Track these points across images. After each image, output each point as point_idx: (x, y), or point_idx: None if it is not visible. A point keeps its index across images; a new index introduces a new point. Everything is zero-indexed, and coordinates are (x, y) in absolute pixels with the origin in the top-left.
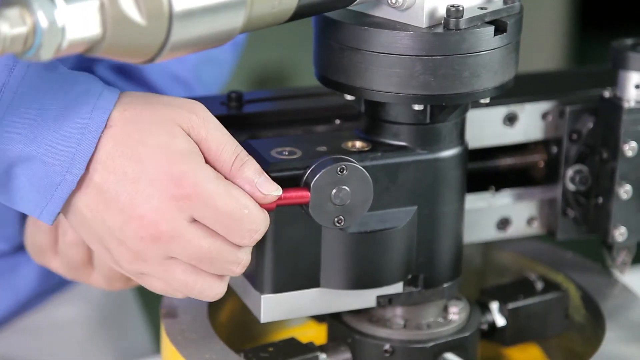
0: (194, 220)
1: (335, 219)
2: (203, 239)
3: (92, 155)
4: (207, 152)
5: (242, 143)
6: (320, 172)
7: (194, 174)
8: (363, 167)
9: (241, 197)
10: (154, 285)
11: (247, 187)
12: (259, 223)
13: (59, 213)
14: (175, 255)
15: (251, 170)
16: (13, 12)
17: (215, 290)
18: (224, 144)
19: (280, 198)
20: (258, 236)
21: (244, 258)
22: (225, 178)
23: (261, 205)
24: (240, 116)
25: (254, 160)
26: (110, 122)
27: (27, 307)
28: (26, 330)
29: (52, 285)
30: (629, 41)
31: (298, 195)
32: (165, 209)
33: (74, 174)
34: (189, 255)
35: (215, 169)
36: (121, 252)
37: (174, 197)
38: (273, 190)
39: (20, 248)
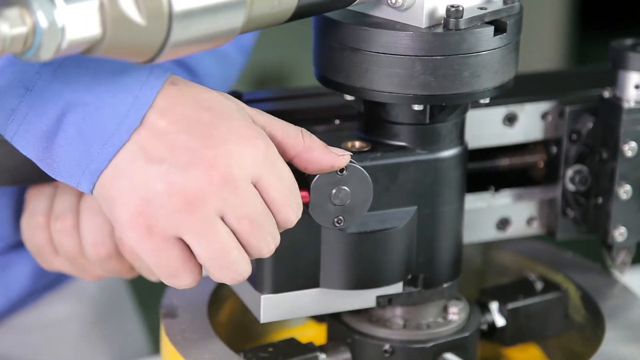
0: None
1: (335, 219)
2: (260, 201)
3: (156, 106)
4: (273, 136)
5: None
6: (319, 173)
7: (266, 137)
8: (363, 167)
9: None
10: (172, 259)
11: (325, 151)
12: (301, 204)
13: (102, 172)
14: (231, 209)
15: (316, 141)
16: (13, 12)
17: (245, 267)
18: (285, 125)
19: None
20: (299, 214)
21: (278, 238)
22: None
23: None
24: None
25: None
26: (175, 81)
27: (20, 306)
28: (19, 328)
29: (45, 283)
30: (628, 41)
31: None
32: (241, 156)
33: (128, 124)
34: (244, 212)
35: (285, 151)
36: (168, 199)
37: (251, 145)
38: (343, 153)
39: (14, 247)
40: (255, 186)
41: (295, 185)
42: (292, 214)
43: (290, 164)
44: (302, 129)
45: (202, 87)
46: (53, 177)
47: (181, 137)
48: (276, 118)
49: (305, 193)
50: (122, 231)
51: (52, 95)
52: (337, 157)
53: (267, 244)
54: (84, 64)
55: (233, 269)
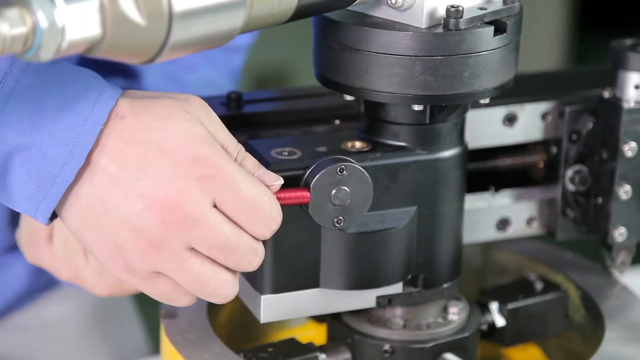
0: (215, 206)
1: (335, 220)
2: (225, 225)
3: (105, 146)
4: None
5: (242, 143)
6: (320, 173)
7: (217, 156)
8: (363, 167)
9: (260, 185)
10: (162, 288)
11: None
12: (277, 212)
13: (54, 211)
14: (196, 241)
15: (251, 164)
16: (13, 12)
17: (229, 289)
18: (228, 139)
19: (280, 198)
20: (275, 227)
21: (261, 249)
22: None
23: None
24: (240, 116)
25: (251, 156)
26: (121, 113)
27: (17, 306)
28: (17, 328)
29: (42, 284)
30: (628, 41)
31: (298, 195)
32: (191, 191)
33: (72, 165)
34: (211, 241)
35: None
36: (136, 245)
37: (199, 179)
38: (275, 180)
39: (9, 249)
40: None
41: (262, 199)
42: (262, 230)
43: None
44: (241, 150)
45: (151, 111)
46: (12, 208)
47: (131, 183)
48: (224, 128)
49: (305, 193)
50: (108, 270)
51: None
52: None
53: (248, 262)
54: (27, 104)
55: (216, 295)
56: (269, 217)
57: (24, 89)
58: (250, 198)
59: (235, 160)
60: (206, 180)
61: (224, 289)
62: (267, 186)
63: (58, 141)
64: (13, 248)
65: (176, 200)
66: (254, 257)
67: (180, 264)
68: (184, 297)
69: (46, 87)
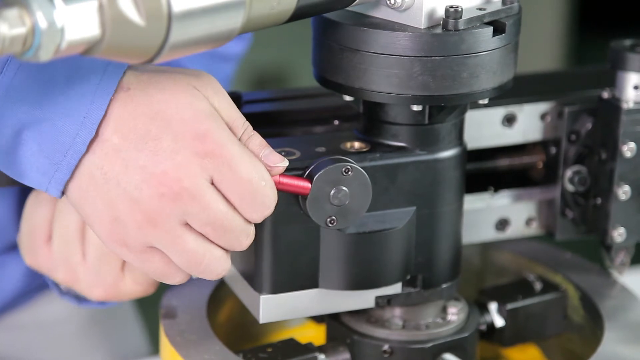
0: (213, 184)
1: (329, 219)
2: (221, 204)
3: (110, 117)
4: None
5: None
6: (326, 168)
7: (219, 133)
8: (362, 167)
9: (261, 168)
10: (155, 264)
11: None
12: (271, 199)
13: (67, 182)
14: (191, 217)
15: (257, 144)
16: (12, 13)
17: (222, 265)
18: (234, 116)
19: (280, 182)
20: (268, 212)
21: (252, 231)
22: None
23: None
24: None
25: (259, 135)
26: (127, 85)
27: (13, 306)
28: (15, 328)
29: (39, 284)
30: (627, 42)
31: (299, 184)
32: (189, 166)
33: (83, 137)
34: (206, 218)
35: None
36: (132, 218)
37: (198, 154)
38: (279, 162)
39: (7, 250)
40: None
41: (258, 183)
42: (253, 214)
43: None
44: (247, 128)
45: (156, 84)
46: (23, 183)
47: (132, 155)
48: (232, 104)
49: (306, 184)
50: (105, 244)
51: (7, 115)
52: (266, 167)
53: (239, 242)
54: (36, 79)
55: (208, 271)
56: (262, 202)
57: (34, 63)
58: (247, 180)
59: (240, 139)
60: (205, 155)
61: (216, 265)
62: (272, 167)
63: (69, 113)
64: (13, 247)
65: (174, 174)
66: (245, 238)
67: (174, 239)
68: (176, 273)
69: (57, 61)
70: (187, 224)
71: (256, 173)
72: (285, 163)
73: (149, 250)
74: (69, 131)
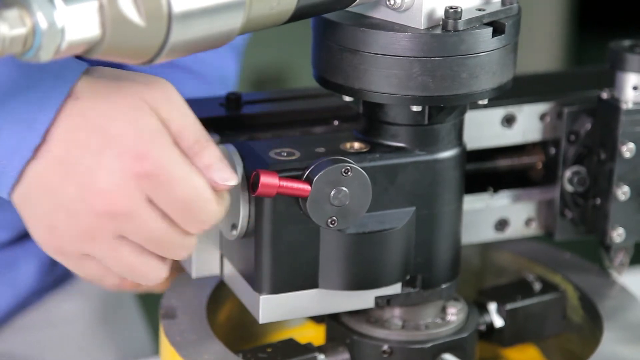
0: (150, 201)
1: (329, 220)
2: (156, 221)
3: (55, 126)
4: (181, 139)
5: (240, 143)
6: (326, 169)
7: (159, 153)
8: (361, 168)
9: (201, 187)
10: (92, 270)
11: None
12: (212, 215)
13: (14, 186)
14: (127, 234)
15: (208, 156)
16: (12, 13)
17: (158, 274)
18: (186, 126)
19: (280, 187)
20: (207, 227)
21: (192, 243)
22: None
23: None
24: (238, 117)
25: (215, 147)
26: (77, 94)
27: (27, 304)
28: (26, 327)
29: (52, 280)
30: (626, 42)
31: (299, 187)
32: (126, 186)
33: (30, 142)
34: (141, 236)
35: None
36: (69, 229)
37: (136, 175)
38: (227, 180)
39: (20, 239)
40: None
41: (196, 202)
42: (193, 230)
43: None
44: (201, 139)
45: (106, 96)
46: None
47: (72, 168)
48: (184, 114)
49: (306, 186)
50: (42, 249)
51: None
52: (211, 183)
53: (177, 254)
54: None
55: (145, 279)
56: (200, 220)
57: None
58: (184, 200)
59: (189, 151)
60: (143, 177)
61: (153, 274)
62: (217, 184)
63: (18, 119)
64: (22, 238)
65: (110, 193)
66: (182, 251)
67: (110, 252)
68: (112, 279)
69: (9, 63)
70: (123, 237)
71: (194, 193)
72: (234, 182)
73: (85, 258)
74: (17, 135)
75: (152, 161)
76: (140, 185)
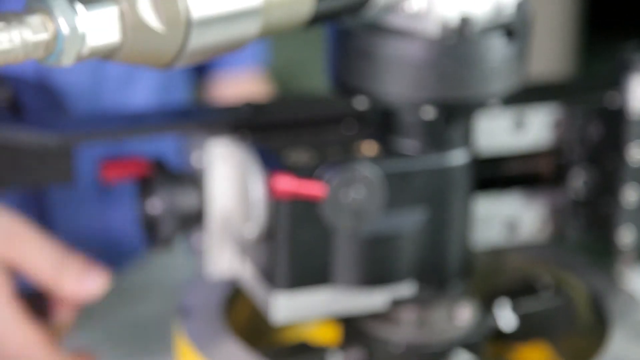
0: None
1: (344, 221)
2: None
3: None
4: (25, 271)
5: (258, 145)
6: (341, 173)
7: None
8: (375, 171)
9: (34, 342)
10: None
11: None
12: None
13: None
14: None
15: (70, 280)
16: (35, 19)
17: None
18: (38, 264)
19: (297, 188)
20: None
21: None
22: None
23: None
24: (256, 120)
25: (73, 263)
26: None
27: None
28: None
29: None
30: (636, 45)
31: (315, 189)
32: None
33: None
34: None
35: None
36: None
37: None
38: (94, 289)
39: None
40: None
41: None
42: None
43: None
44: (55, 263)
45: None
46: None
47: None
48: (35, 251)
49: (321, 187)
50: None
51: None
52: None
53: None
54: None
55: None
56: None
57: None
58: (23, 338)
59: (50, 279)
60: None
61: None
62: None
63: None
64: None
65: None
66: None
67: None
68: None
69: None
70: None
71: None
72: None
73: None
74: None
75: None
76: None
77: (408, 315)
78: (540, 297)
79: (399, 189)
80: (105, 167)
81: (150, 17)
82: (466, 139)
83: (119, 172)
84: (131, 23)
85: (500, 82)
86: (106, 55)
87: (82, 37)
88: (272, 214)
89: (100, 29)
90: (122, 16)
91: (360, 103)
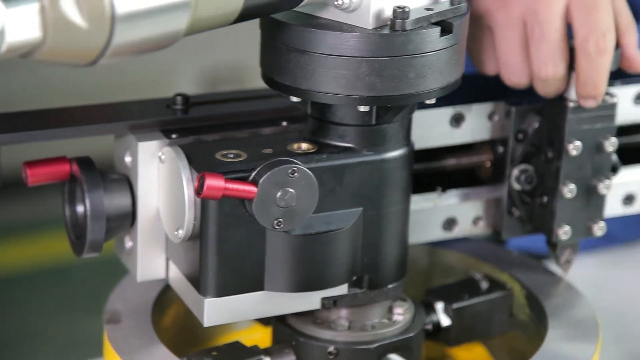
0: None
1: (275, 221)
2: None
3: None
4: None
5: (187, 145)
6: (272, 171)
7: None
8: (308, 168)
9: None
10: None
11: None
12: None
13: None
14: None
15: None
16: None
17: None
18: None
19: (226, 189)
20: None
21: None
22: None
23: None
24: (185, 119)
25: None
26: None
27: None
28: None
29: None
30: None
31: (245, 189)
32: None
33: None
34: None
35: None
36: None
37: None
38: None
39: None
40: None
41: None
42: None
43: None
44: None
45: None
46: None
47: None
48: None
49: (252, 187)
50: None
51: None
52: None
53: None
54: None
55: None
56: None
57: None
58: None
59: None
60: None
61: None
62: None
63: None
64: None
65: None
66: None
67: None
68: None
69: None
70: None
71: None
72: None
73: None
74: None
75: None
76: None
77: (341, 316)
78: (477, 295)
79: (333, 187)
80: (28, 168)
81: (72, 13)
82: (403, 135)
83: (43, 173)
84: (53, 19)
85: (437, 78)
86: (27, 52)
87: (1, 34)
88: (200, 215)
89: (19, 26)
90: (43, 12)
91: (294, 100)
